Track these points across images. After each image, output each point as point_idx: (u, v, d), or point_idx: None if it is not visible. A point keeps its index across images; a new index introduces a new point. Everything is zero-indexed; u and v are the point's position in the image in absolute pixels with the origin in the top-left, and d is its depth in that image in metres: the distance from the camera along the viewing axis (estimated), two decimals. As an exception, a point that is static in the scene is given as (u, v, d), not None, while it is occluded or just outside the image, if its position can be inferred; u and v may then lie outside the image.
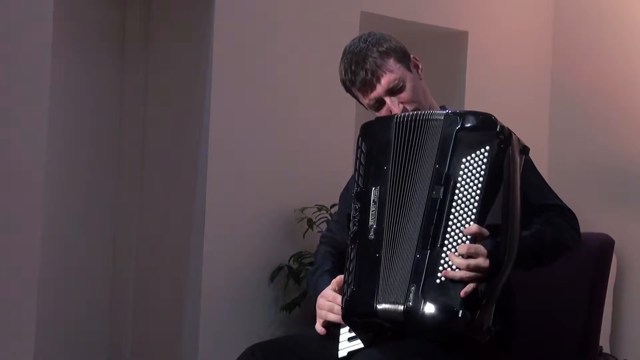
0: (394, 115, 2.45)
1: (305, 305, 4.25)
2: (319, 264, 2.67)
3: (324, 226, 4.25)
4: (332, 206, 4.23)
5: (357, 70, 2.54)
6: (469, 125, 2.32)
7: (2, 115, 3.47)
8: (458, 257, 2.21)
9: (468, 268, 2.20)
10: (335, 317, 2.42)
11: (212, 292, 4.13)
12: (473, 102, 4.81)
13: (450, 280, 2.20)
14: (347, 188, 2.71)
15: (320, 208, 4.26)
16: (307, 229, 4.23)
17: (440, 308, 2.20)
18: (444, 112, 2.37)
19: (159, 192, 4.39)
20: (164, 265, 4.34)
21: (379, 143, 2.40)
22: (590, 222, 4.74)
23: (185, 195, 4.24)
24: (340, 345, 2.39)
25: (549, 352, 2.65)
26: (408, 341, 2.32)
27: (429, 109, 2.57)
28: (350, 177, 2.70)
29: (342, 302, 2.35)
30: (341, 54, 2.63)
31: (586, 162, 5.10)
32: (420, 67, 2.62)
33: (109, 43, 4.42)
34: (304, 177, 4.37)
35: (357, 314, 2.33)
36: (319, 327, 2.47)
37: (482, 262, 2.20)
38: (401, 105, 2.53)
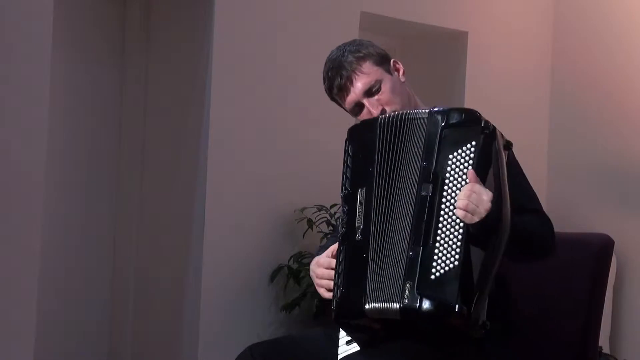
0: (378, 117, 2.46)
1: (305, 305, 4.25)
2: (325, 245, 2.68)
3: (324, 226, 4.25)
4: (332, 206, 4.23)
5: (333, 77, 2.59)
6: (453, 121, 2.33)
7: (2, 115, 3.47)
8: (463, 190, 2.24)
9: (469, 198, 2.22)
10: (330, 295, 2.42)
11: (212, 292, 4.13)
12: (473, 102, 4.81)
13: (444, 275, 2.21)
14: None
15: (320, 208, 4.26)
16: (307, 229, 4.24)
17: (437, 304, 2.21)
18: (427, 110, 2.38)
19: (159, 192, 4.39)
20: (164, 265, 4.34)
21: (364, 145, 2.42)
22: (590, 222, 4.76)
23: (185, 195, 4.24)
24: (340, 349, 2.41)
25: (549, 352, 2.65)
26: (396, 345, 2.32)
27: (416, 109, 2.58)
28: None
29: (332, 305, 2.36)
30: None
31: (586, 162, 5.10)
32: (401, 70, 2.64)
33: (109, 43, 4.42)
34: (304, 177, 4.38)
35: (346, 315, 2.34)
36: (325, 293, 2.45)
37: (485, 201, 2.22)
38: (379, 107, 2.54)
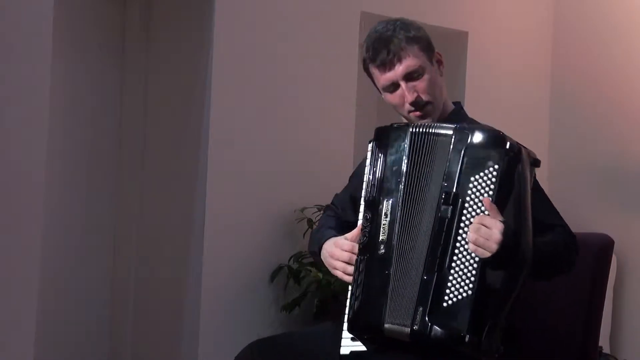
0: (409, 124, 2.42)
1: (305, 305, 4.25)
2: (323, 222, 2.66)
3: (324, 226, 4.25)
4: (332, 206, 4.23)
5: (380, 49, 2.51)
6: (477, 141, 2.27)
7: (2, 115, 3.46)
8: (473, 224, 2.19)
9: (478, 232, 2.18)
10: (350, 278, 2.39)
11: (212, 292, 4.13)
12: (473, 102, 4.81)
13: (457, 304, 2.19)
14: (356, 173, 2.67)
15: (320, 208, 4.26)
16: (307, 229, 4.23)
17: (447, 333, 2.19)
18: (452, 126, 2.32)
19: (159, 192, 4.39)
20: (164, 266, 4.34)
21: (393, 154, 2.38)
22: (590, 222, 4.76)
23: (185, 196, 4.24)
24: (343, 342, 2.39)
25: (549, 352, 2.65)
26: (402, 353, 2.31)
27: (441, 106, 2.57)
28: (359, 163, 2.67)
29: (347, 313, 2.35)
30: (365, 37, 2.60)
31: (586, 162, 5.10)
32: (442, 63, 2.61)
33: (109, 43, 4.42)
34: (304, 177, 4.38)
35: (363, 328, 2.33)
36: (345, 277, 2.42)
37: (495, 233, 2.17)
38: (415, 94, 2.51)
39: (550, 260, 2.35)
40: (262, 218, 4.27)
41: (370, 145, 2.47)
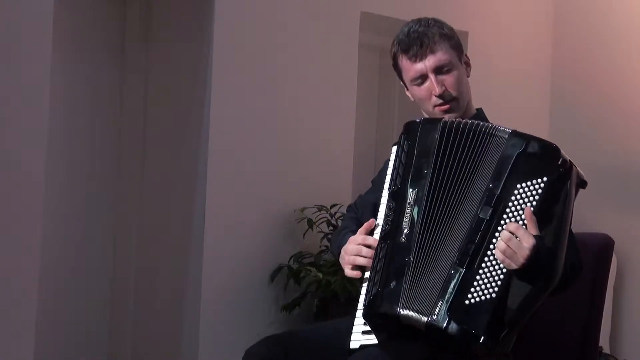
0: (441, 119, 2.43)
1: (305, 305, 4.25)
2: (346, 224, 2.67)
3: (324, 226, 4.25)
4: (332, 206, 4.23)
5: (414, 39, 2.56)
6: (531, 150, 2.27)
7: (2, 115, 3.46)
8: (505, 232, 2.19)
9: (509, 242, 2.17)
10: (364, 260, 2.40)
11: (212, 292, 4.13)
12: (473, 102, 4.80)
13: (479, 304, 2.19)
14: (380, 175, 2.67)
15: (320, 208, 4.26)
16: (307, 229, 4.23)
17: (464, 331, 2.19)
18: (509, 130, 2.32)
19: (159, 192, 4.39)
20: (164, 265, 4.34)
21: (423, 145, 2.38)
22: (590, 222, 4.75)
23: (185, 195, 4.24)
24: (353, 337, 2.38)
25: (549, 353, 2.65)
26: (414, 344, 2.31)
27: (465, 106, 2.59)
28: (383, 164, 2.67)
29: (364, 300, 2.34)
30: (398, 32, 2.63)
31: (586, 162, 5.05)
32: (470, 65, 2.66)
33: (109, 43, 4.42)
34: (304, 177, 4.38)
35: (379, 314, 2.32)
36: (350, 272, 2.44)
37: (524, 248, 2.17)
38: (443, 87, 2.54)
39: (569, 277, 2.34)
40: (262, 218, 4.27)
41: (394, 148, 2.47)
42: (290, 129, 4.36)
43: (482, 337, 2.18)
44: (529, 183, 2.24)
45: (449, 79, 2.55)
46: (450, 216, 2.30)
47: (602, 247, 2.65)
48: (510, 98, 5.10)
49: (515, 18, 5.18)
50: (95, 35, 4.37)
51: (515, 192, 2.24)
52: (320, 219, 4.26)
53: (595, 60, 5.12)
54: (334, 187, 4.46)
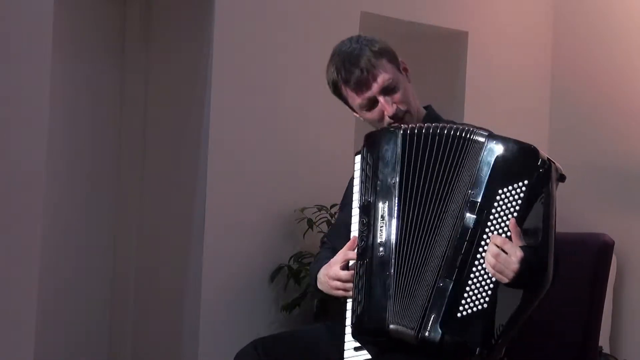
0: (401, 126, 2.41)
1: (305, 305, 4.25)
2: (319, 257, 2.65)
3: (324, 226, 4.25)
4: (332, 206, 4.23)
5: (352, 69, 2.52)
6: (509, 154, 2.25)
7: (2, 115, 3.46)
8: (492, 246, 2.17)
9: (498, 258, 2.16)
10: (353, 254, 2.38)
11: (212, 292, 4.13)
12: (473, 102, 4.81)
13: (471, 316, 2.18)
14: (346, 197, 2.67)
15: (320, 208, 4.26)
16: (307, 229, 4.23)
17: (459, 344, 2.19)
18: (485, 133, 2.29)
19: (159, 192, 4.38)
20: (164, 265, 4.34)
21: (385, 155, 2.36)
22: (590, 222, 4.75)
23: (185, 195, 4.24)
24: (346, 354, 2.37)
25: (549, 353, 2.65)
26: (402, 357, 2.30)
27: (416, 112, 2.58)
28: (347, 185, 2.67)
29: (350, 318, 2.33)
30: (329, 56, 2.60)
31: (586, 162, 5.10)
32: (408, 69, 2.63)
33: (109, 43, 4.42)
34: (304, 177, 4.37)
35: (367, 331, 2.31)
36: (338, 292, 2.43)
37: (513, 262, 2.16)
38: (394, 106, 2.52)
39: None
40: (262, 218, 4.27)
41: (358, 157, 2.45)
42: (290, 129, 4.36)
43: (478, 349, 2.17)
44: (510, 188, 2.22)
45: (397, 96, 2.54)
46: (428, 225, 2.27)
47: (602, 247, 2.65)
48: (510, 98, 5.10)
49: (515, 18, 5.18)
50: (95, 35, 4.37)
51: (497, 197, 2.22)
52: (320, 219, 4.26)
53: (595, 60, 5.12)
54: (334, 187, 4.44)
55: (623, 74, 5.00)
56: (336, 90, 2.61)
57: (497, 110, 4.83)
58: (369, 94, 2.53)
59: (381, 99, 2.53)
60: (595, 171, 5.07)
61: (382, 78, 2.52)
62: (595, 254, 2.63)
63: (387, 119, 2.55)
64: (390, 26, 4.82)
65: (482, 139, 2.28)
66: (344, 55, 2.54)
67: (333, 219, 4.24)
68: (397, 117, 2.54)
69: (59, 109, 4.13)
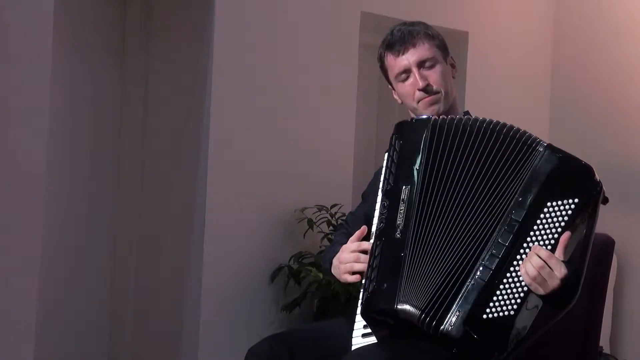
0: (430, 117, 2.42)
1: (306, 305, 4.25)
2: (337, 240, 2.66)
3: (324, 226, 4.25)
4: (332, 206, 4.23)
5: (400, 36, 2.58)
6: (566, 168, 2.27)
7: (2, 115, 3.46)
8: (536, 258, 2.16)
9: (541, 271, 2.15)
10: (361, 266, 2.39)
11: (212, 292, 4.13)
12: (473, 102, 4.81)
13: (497, 320, 2.17)
14: (370, 187, 2.68)
15: (320, 208, 4.26)
16: (307, 229, 4.23)
17: (478, 345, 2.18)
18: (544, 143, 2.29)
19: (159, 192, 4.39)
20: (164, 265, 4.34)
21: (413, 142, 2.37)
22: (590, 222, 4.75)
23: (185, 195, 4.24)
24: (354, 341, 2.36)
25: (549, 353, 2.64)
26: (413, 343, 2.30)
27: (452, 101, 2.60)
28: (372, 175, 2.68)
29: (361, 298, 2.33)
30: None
31: (586, 161, 5.09)
32: (455, 67, 2.66)
33: (109, 43, 4.42)
34: (304, 177, 4.38)
35: (376, 310, 2.30)
36: (349, 277, 2.43)
37: (556, 278, 2.16)
38: (426, 82, 2.55)
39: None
40: (262, 218, 4.27)
41: (391, 140, 2.45)
42: (290, 129, 4.36)
43: (496, 353, 2.17)
44: (560, 202, 2.21)
45: (432, 74, 2.57)
46: (450, 215, 2.27)
47: (602, 247, 2.64)
48: (510, 98, 5.11)
49: (515, 18, 5.18)
50: (95, 35, 4.37)
51: (545, 209, 2.21)
52: (320, 219, 4.26)
53: (595, 60, 5.12)
54: (334, 187, 4.46)
55: (623, 74, 5.00)
56: (381, 64, 2.65)
57: (497, 110, 4.81)
58: (404, 61, 2.57)
59: (415, 70, 2.56)
60: (595, 171, 5.07)
61: (422, 50, 2.56)
62: (595, 254, 2.62)
63: (417, 94, 2.57)
64: (390, 26, 4.83)
65: (540, 148, 2.29)
66: (400, 26, 2.62)
67: (333, 219, 4.24)
68: (427, 92, 2.56)
69: (59, 109, 4.13)
